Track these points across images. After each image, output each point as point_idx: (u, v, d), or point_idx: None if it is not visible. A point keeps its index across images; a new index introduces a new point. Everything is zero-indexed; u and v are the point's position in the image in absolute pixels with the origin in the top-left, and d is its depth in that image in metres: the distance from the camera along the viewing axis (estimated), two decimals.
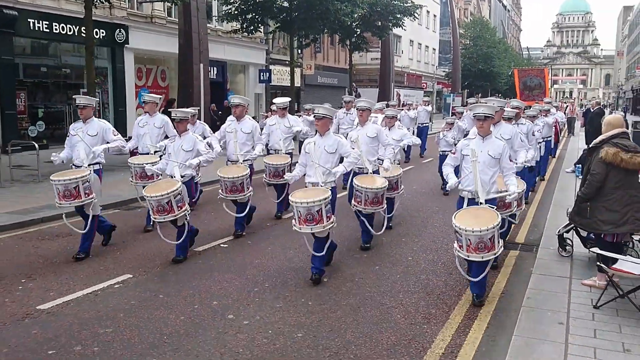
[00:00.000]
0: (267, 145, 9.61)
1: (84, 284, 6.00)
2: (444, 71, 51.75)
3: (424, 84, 48.55)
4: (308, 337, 4.83)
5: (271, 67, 29.58)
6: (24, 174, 12.78)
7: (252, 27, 23.23)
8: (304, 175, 6.72)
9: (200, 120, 12.23)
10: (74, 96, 7.57)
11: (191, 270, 6.60)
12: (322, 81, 35.13)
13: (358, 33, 29.53)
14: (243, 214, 8.08)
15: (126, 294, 5.81)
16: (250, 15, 22.84)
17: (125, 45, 20.84)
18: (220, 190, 8.00)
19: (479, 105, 6.23)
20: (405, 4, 30.05)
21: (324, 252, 6.22)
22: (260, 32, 25.84)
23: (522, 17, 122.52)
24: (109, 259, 6.97)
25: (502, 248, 5.76)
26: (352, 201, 7.38)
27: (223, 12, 23.66)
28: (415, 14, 31.09)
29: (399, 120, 18.01)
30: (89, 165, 7.16)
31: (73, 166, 7.35)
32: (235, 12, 22.52)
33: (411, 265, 6.90)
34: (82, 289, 5.85)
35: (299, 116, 14.42)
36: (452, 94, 44.92)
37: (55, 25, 18.22)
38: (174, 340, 4.71)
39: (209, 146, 8.20)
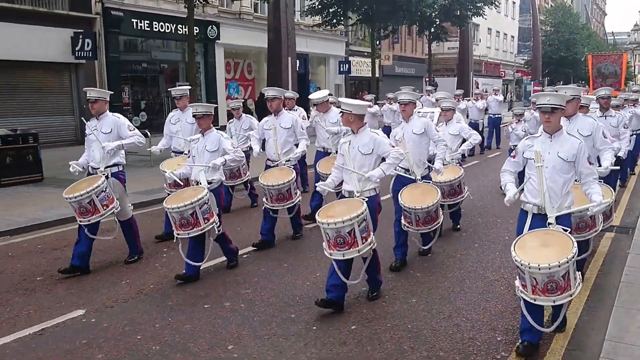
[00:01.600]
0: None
1: (217, 254, 6.73)
2: (523, 59, 50.40)
3: (502, 72, 47.60)
4: (421, 302, 5.42)
5: (350, 58, 30.20)
6: (135, 159, 14.01)
7: (334, 21, 23.94)
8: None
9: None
10: (84, 89, 6.67)
11: (306, 244, 7.37)
12: (399, 71, 35.36)
13: (437, 23, 29.56)
14: (293, 214, 7.45)
15: (255, 263, 6.64)
16: (332, 9, 23.57)
17: (217, 41, 22.10)
18: (264, 199, 7.11)
19: (545, 93, 4.71)
20: None
21: (359, 280, 5.33)
22: (342, 25, 26.46)
23: (607, 0, 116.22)
24: (231, 234, 7.77)
25: (581, 284, 4.30)
26: (402, 220, 6.36)
27: (306, 7, 24.49)
28: (496, 3, 30.72)
29: (467, 114, 16.92)
30: (105, 167, 6.33)
31: (90, 169, 6.51)
32: (319, 6, 23.29)
33: (508, 244, 7.22)
34: (218, 258, 6.65)
35: (381, 105, 14.38)
36: (531, 82, 43.83)
37: (155, 24, 19.62)
38: (305, 300, 5.43)
39: (249, 140, 7.66)
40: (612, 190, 6.43)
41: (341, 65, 29.26)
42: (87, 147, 6.50)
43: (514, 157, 4.81)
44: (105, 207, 6.05)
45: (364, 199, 5.13)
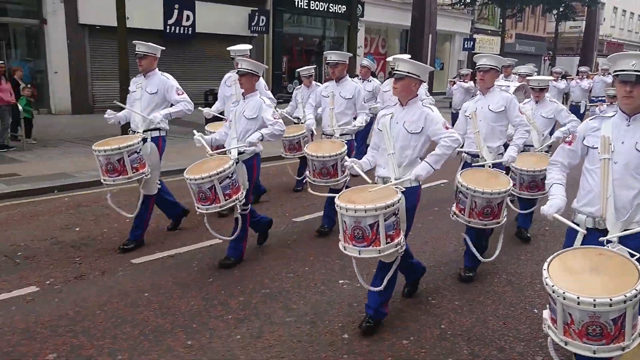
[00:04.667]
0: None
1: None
2: None
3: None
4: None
5: (474, 36, 30.27)
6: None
7: (468, 0, 24.29)
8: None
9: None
10: (133, 41, 5.65)
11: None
12: (520, 49, 34.64)
13: (566, 2, 28.77)
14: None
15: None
16: None
17: (360, 19, 23.37)
18: (307, 172, 5.98)
19: (628, 54, 2.94)
20: None
21: (381, 287, 3.86)
22: (476, 4, 26.66)
23: None
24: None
25: None
26: (454, 207, 4.77)
27: None
28: None
29: (568, 93, 14.20)
30: (145, 131, 5.32)
31: (130, 131, 5.55)
32: None
33: None
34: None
35: (453, 83, 12.58)
36: None
37: (312, 3, 21.25)
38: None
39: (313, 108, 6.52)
40: None
41: (466, 42, 29.44)
42: (129, 105, 5.54)
43: (569, 143, 3.26)
44: (134, 171, 5.12)
45: (400, 189, 3.81)
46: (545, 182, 3.34)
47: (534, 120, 6.07)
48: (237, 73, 5.18)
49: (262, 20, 18.39)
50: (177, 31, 16.02)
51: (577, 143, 3.17)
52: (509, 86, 7.61)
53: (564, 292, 2.53)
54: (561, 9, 28.84)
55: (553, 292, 2.59)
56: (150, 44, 5.45)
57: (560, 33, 35.40)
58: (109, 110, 5.37)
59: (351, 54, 6.93)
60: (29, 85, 11.33)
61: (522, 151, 5.88)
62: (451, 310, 4.33)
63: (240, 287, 4.59)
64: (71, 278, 4.66)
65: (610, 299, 2.45)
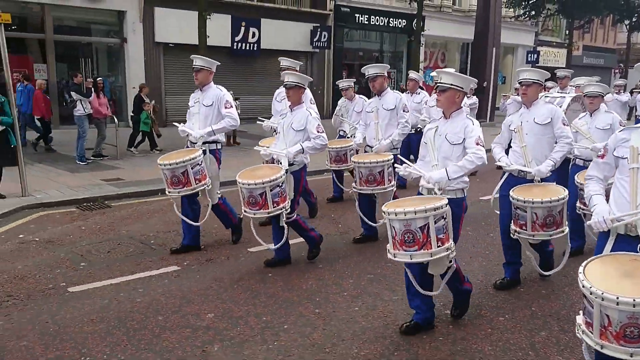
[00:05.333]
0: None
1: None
2: None
3: None
4: None
5: (538, 48, 30.55)
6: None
7: (533, 12, 24.78)
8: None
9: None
10: (191, 56, 6.14)
11: None
12: (587, 62, 34.57)
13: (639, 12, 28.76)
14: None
15: None
16: (532, 0, 24.46)
17: (421, 32, 24.28)
18: (353, 183, 6.36)
19: None
20: None
21: (438, 291, 4.30)
22: (541, 16, 27.10)
23: None
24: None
25: None
26: (512, 225, 4.98)
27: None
28: None
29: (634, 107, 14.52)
30: (203, 144, 5.76)
31: (189, 143, 6.00)
32: None
33: None
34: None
35: (506, 97, 12.00)
36: None
37: (373, 18, 22.35)
38: None
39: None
40: None
41: (529, 55, 29.73)
42: (189, 119, 6.05)
43: (602, 157, 3.46)
44: (197, 182, 5.61)
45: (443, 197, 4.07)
46: (585, 196, 3.52)
47: (590, 134, 6.11)
48: (284, 86, 5.58)
49: (324, 35, 19.59)
50: (243, 47, 17.38)
51: (609, 155, 3.38)
52: (564, 97, 7.73)
53: (602, 293, 2.66)
54: (634, 19, 28.78)
55: (591, 293, 2.71)
56: (206, 58, 5.95)
57: (632, 44, 35.15)
58: (181, 124, 5.95)
59: (388, 66, 7.42)
60: (152, 102, 12.75)
61: (582, 167, 5.96)
62: (539, 297, 5.05)
63: (348, 272, 5.50)
64: (203, 261, 5.70)
65: None
